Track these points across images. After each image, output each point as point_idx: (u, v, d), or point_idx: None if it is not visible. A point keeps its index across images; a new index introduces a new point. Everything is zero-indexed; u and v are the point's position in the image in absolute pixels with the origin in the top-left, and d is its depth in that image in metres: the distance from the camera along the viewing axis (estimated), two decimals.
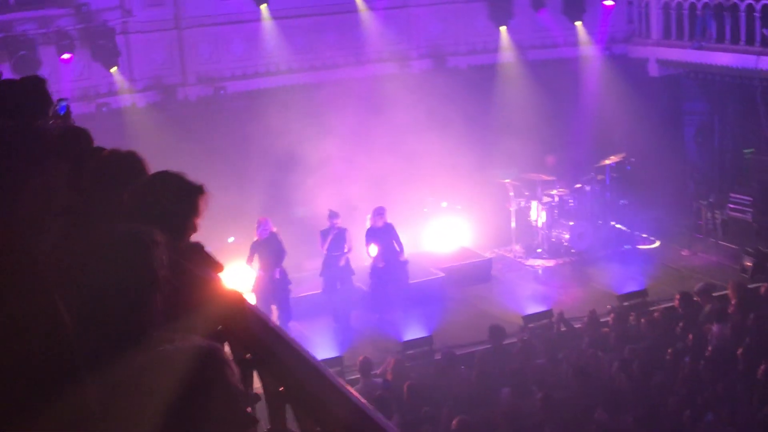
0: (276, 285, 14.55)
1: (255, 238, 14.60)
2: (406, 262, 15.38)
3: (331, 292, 15.12)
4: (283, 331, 3.33)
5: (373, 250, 15.13)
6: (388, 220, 15.32)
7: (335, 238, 14.94)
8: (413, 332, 14.19)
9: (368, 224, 15.21)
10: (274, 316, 14.34)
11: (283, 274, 14.68)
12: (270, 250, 14.50)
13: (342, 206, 15.82)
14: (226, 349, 3.34)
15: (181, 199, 3.57)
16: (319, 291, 15.34)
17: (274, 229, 14.69)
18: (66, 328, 1.98)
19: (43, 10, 16.46)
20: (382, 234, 15.12)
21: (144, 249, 2.68)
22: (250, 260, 14.53)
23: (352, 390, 2.82)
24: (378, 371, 12.53)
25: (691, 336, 12.08)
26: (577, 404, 10.52)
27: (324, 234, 15.02)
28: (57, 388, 2.07)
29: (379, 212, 15.11)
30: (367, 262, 15.32)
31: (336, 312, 15.02)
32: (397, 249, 15.23)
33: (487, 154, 17.64)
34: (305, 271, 16.15)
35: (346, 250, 15.02)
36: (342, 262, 15.04)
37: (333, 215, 14.99)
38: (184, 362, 2.16)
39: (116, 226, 2.91)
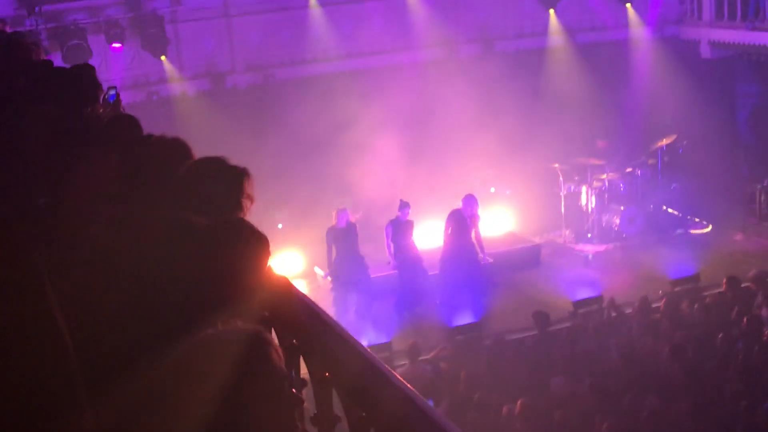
0: (356, 269, 14.74)
1: (332, 224, 14.70)
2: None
3: (403, 284, 15.07)
4: (329, 316, 3.34)
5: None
6: (432, 208, 15.27)
7: (406, 228, 14.90)
8: (462, 318, 14.16)
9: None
10: (353, 299, 14.60)
11: (362, 259, 14.89)
12: (348, 238, 14.69)
13: (394, 194, 15.80)
14: (273, 335, 3.36)
15: (226, 182, 3.61)
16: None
17: (353, 219, 14.86)
18: (65, 351, 1.97)
19: (93, 0, 16.66)
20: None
21: (209, 243, 2.71)
22: (329, 247, 14.72)
23: (398, 376, 2.82)
24: (430, 356, 12.55)
25: (745, 320, 11.89)
26: (628, 391, 10.42)
27: (393, 226, 14.89)
28: (53, 415, 2.05)
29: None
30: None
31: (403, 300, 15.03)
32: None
33: (536, 139, 17.49)
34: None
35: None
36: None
37: (404, 206, 14.89)
38: (229, 347, 2.18)
39: (178, 215, 2.94)
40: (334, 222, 14.79)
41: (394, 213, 15.11)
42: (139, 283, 2.82)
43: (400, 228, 14.86)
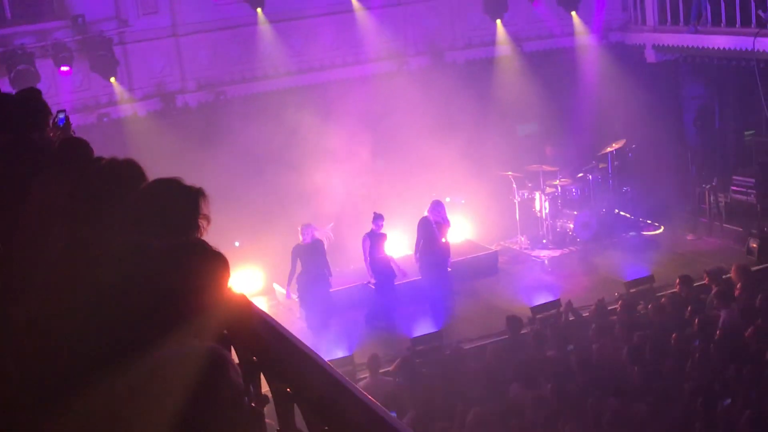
0: (320, 285, 14.88)
1: (298, 242, 14.81)
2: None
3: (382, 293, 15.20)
4: (288, 332, 3.35)
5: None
6: (391, 219, 15.39)
7: (379, 240, 14.97)
8: (422, 328, 14.21)
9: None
10: (313, 313, 14.80)
11: (326, 276, 15.05)
12: (314, 254, 14.81)
13: (348, 207, 15.85)
14: (233, 352, 3.37)
15: (182, 203, 3.61)
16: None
17: (317, 235, 14.99)
18: (8, 384, 1.95)
19: (40, 24, 16.49)
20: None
21: (165, 263, 2.72)
22: (293, 264, 14.86)
23: (360, 389, 2.85)
24: (390, 368, 12.57)
25: (697, 320, 12.08)
26: (588, 394, 10.53)
27: (370, 238, 14.97)
28: None
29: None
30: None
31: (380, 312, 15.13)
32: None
33: (487, 148, 17.66)
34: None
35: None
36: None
37: (378, 218, 14.97)
38: (186, 365, 2.19)
39: (134, 237, 2.94)
40: (299, 239, 14.80)
41: (354, 224, 15.16)
42: (96, 305, 2.82)
43: (375, 240, 14.91)
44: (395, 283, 15.24)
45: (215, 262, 3.02)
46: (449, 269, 15.53)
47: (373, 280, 15.22)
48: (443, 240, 15.21)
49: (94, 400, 2.22)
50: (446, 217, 15.34)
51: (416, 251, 15.35)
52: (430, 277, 15.24)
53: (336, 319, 14.96)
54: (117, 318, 2.76)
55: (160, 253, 3.04)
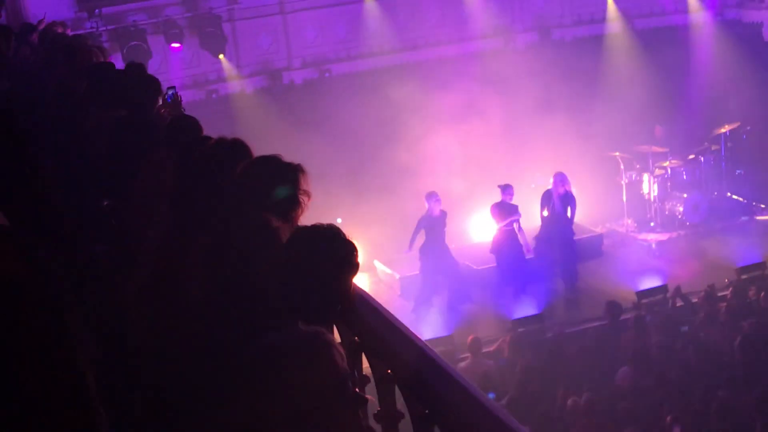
0: (446, 257, 14.66)
1: (424, 213, 14.60)
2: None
3: (504, 268, 14.93)
4: (389, 313, 3.34)
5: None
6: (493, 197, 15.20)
7: (511, 211, 14.66)
8: (524, 310, 14.07)
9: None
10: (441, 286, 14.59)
11: (448, 250, 14.79)
12: (439, 226, 14.57)
13: (452, 186, 15.76)
14: (335, 332, 3.38)
15: (282, 179, 3.64)
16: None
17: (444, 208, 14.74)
18: (91, 402, 1.96)
19: (152, 1, 16.89)
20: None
21: (273, 238, 2.75)
22: (415, 233, 14.62)
23: (458, 371, 2.82)
24: (491, 349, 12.52)
25: None
26: (697, 382, 10.27)
27: (501, 207, 14.62)
28: None
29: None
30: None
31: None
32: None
33: (596, 127, 17.30)
34: (416, 250, 16.24)
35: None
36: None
37: (508, 187, 14.66)
38: (293, 349, 2.20)
39: (241, 218, 2.97)
40: (425, 207, 14.63)
41: (459, 201, 15.01)
42: (205, 283, 2.85)
43: (504, 211, 14.63)
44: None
45: (348, 249, 3.04)
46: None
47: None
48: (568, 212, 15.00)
49: (206, 388, 2.25)
50: (569, 189, 14.96)
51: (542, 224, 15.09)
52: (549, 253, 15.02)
53: (437, 297, 14.91)
54: (223, 299, 2.79)
55: (260, 231, 3.05)
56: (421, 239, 14.75)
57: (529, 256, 15.01)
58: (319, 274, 2.86)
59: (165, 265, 3.53)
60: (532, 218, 15.31)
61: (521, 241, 14.79)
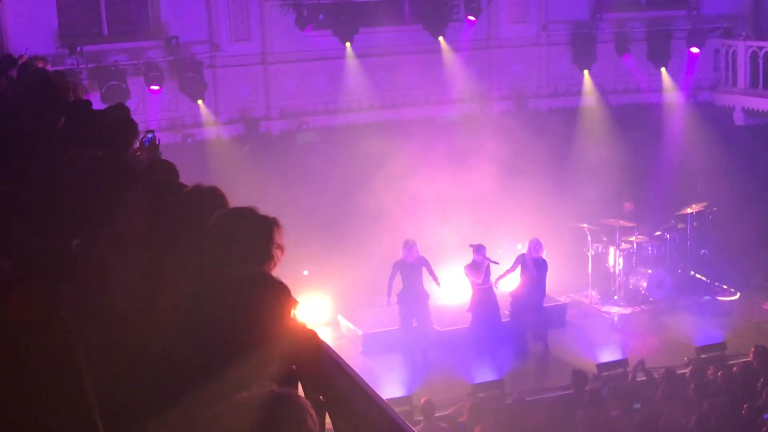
0: (421, 303, 14.86)
1: (399, 258, 14.86)
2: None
3: (480, 327, 15.09)
4: (355, 372, 3.33)
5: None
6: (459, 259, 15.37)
7: (486, 270, 14.96)
8: (487, 374, 14.06)
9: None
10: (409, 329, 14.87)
11: (426, 296, 15.01)
12: (415, 273, 14.82)
13: (421, 246, 15.85)
14: (299, 389, 3.36)
15: (257, 232, 3.64)
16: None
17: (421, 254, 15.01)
18: (90, 408, 1.98)
19: (134, 42, 16.97)
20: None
21: (238, 294, 2.73)
22: (390, 281, 14.89)
23: None
24: (448, 412, 12.46)
25: (766, 393, 11.73)
26: None
27: (476, 267, 14.94)
28: None
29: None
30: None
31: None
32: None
33: (565, 198, 17.48)
34: (379, 306, 16.25)
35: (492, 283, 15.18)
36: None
37: (481, 248, 14.99)
38: (263, 410, 2.17)
39: (206, 269, 2.96)
40: (401, 255, 14.86)
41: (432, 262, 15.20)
42: (167, 335, 2.83)
43: (479, 270, 14.90)
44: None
45: (277, 292, 3.00)
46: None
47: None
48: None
49: None
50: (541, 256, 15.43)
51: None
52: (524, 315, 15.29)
53: (398, 356, 14.87)
54: (188, 351, 2.77)
55: (231, 284, 3.04)
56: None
57: (505, 319, 15.24)
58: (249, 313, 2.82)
59: (133, 311, 3.50)
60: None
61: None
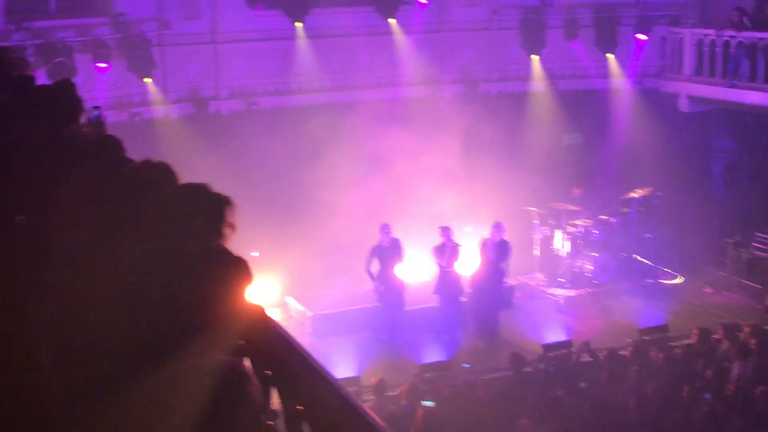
0: (397, 287, 15.17)
1: (377, 243, 15.14)
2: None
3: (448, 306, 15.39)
4: (304, 348, 3.35)
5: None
6: (411, 241, 15.51)
7: (450, 252, 15.14)
8: (432, 356, 14.17)
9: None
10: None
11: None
12: (389, 256, 15.09)
13: (370, 225, 15.92)
14: (247, 364, 3.37)
15: (208, 209, 3.62)
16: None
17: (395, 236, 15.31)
18: (43, 380, 1.98)
19: (82, 19, 16.66)
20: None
21: (188, 270, 2.73)
22: (369, 263, 15.19)
23: (370, 411, 2.84)
24: (396, 393, 12.52)
25: (710, 373, 11.99)
26: None
27: (439, 249, 15.27)
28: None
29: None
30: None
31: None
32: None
33: (513, 181, 17.62)
34: (329, 288, 16.31)
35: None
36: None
37: (446, 229, 15.25)
38: (204, 378, 2.18)
39: (155, 244, 2.95)
40: (378, 239, 15.13)
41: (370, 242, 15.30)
42: (118, 309, 2.83)
43: (445, 252, 15.13)
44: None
45: (237, 269, 3.01)
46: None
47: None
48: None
49: (116, 410, 2.22)
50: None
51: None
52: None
53: (348, 337, 14.92)
54: (136, 326, 2.77)
55: (180, 260, 3.04)
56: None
57: (463, 299, 15.56)
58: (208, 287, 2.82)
59: (79, 287, 3.48)
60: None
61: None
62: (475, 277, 15.78)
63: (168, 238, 3.39)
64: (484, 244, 15.75)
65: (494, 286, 15.73)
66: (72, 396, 2.37)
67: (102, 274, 3.14)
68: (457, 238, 15.89)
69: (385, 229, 15.25)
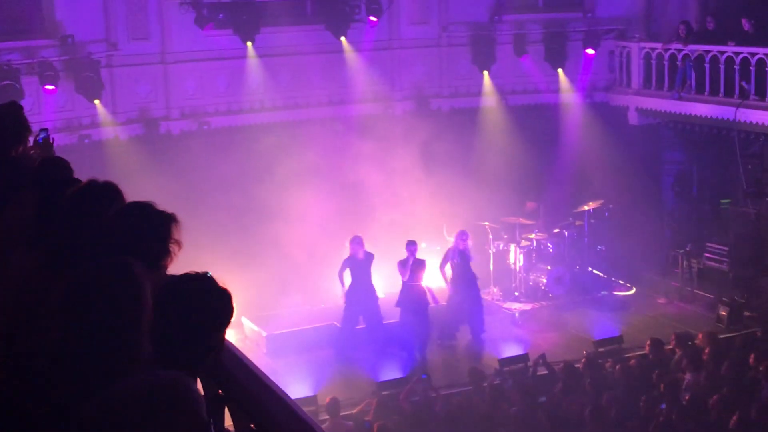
0: (371, 299, 15.15)
1: (347, 255, 15.04)
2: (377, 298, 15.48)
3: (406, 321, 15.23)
4: (256, 367, 3.32)
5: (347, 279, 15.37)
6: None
7: (414, 267, 15.11)
8: (389, 373, 14.13)
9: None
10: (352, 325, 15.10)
11: (374, 289, 15.34)
12: (364, 269, 15.05)
13: (323, 244, 15.87)
14: (198, 384, 3.32)
15: (154, 226, 3.59)
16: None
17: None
18: None
19: (28, 41, 16.45)
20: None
21: (134, 282, 2.69)
22: (341, 277, 15.14)
23: (324, 431, 2.81)
24: (354, 411, 12.48)
25: (663, 385, 12.10)
26: None
27: (403, 264, 15.19)
28: None
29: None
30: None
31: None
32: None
33: (466, 196, 17.70)
34: (284, 307, 16.22)
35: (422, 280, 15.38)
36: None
37: (412, 244, 15.19)
38: (151, 395, 2.15)
39: (101, 260, 2.90)
40: (349, 252, 15.05)
41: (328, 259, 15.23)
42: (71, 329, 2.77)
43: (411, 267, 15.14)
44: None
45: (224, 299, 3.00)
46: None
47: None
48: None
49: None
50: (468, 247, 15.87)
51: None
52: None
53: (304, 356, 14.84)
54: (81, 345, 2.71)
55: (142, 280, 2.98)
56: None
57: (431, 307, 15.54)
58: (193, 326, 2.81)
59: (20, 309, 3.41)
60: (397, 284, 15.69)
61: (429, 296, 15.44)
62: (450, 289, 15.77)
63: (110, 255, 3.33)
64: (451, 255, 15.75)
65: (468, 290, 15.70)
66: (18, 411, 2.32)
67: (44, 295, 3.08)
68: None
69: (357, 241, 15.10)
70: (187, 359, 2.70)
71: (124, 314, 2.63)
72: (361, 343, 15.17)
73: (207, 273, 3.00)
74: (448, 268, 15.81)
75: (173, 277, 3.02)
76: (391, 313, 15.43)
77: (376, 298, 15.37)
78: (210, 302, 2.89)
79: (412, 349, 14.87)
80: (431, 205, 17.36)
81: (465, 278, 15.70)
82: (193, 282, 2.92)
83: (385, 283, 16.29)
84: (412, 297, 15.16)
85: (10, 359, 2.88)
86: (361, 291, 15.13)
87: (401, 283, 15.33)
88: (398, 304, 15.30)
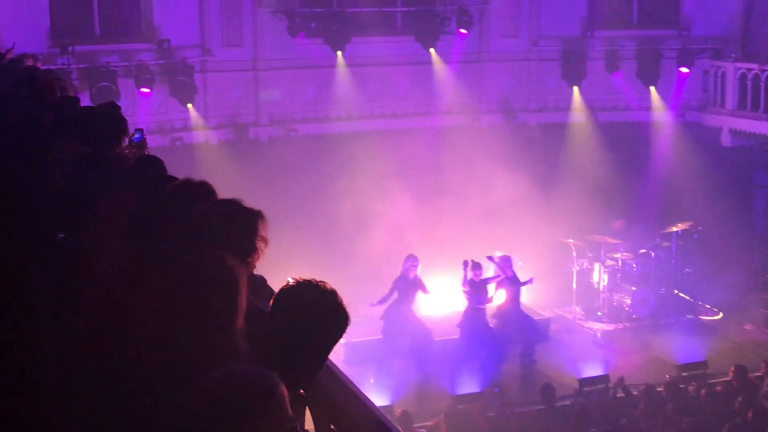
0: (415, 321, 14.85)
1: (399, 274, 14.74)
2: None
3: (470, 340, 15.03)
4: (338, 369, 3.32)
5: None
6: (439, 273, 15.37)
7: (480, 288, 14.95)
8: (467, 387, 14.03)
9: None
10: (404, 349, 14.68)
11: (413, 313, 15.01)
12: (413, 290, 14.72)
13: (402, 254, 15.83)
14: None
15: (241, 223, 3.63)
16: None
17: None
18: (49, 387, 1.99)
19: (126, 44, 16.93)
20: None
21: (229, 276, 2.73)
22: (390, 295, 14.72)
23: None
24: (431, 423, 12.44)
25: (751, 413, 11.76)
26: None
27: (470, 285, 14.92)
28: None
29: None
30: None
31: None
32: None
33: (552, 212, 17.52)
34: (363, 316, 16.21)
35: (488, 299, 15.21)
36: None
37: (475, 266, 14.87)
38: (242, 390, 2.17)
39: (197, 253, 2.95)
40: (400, 272, 14.77)
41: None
42: (156, 321, 2.82)
43: (475, 288, 14.86)
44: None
45: (345, 314, 3.03)
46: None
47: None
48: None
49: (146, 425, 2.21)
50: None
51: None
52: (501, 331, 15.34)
53: (382, 365, 14.83)
54: (173, 338, 2.76)
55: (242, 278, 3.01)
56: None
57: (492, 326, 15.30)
58: (315, 334, 2.82)
59: (116, 300, 3.49)
60: None
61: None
62: (500, 310, 15.52)
63: (202, 249, 3.39)
64: (503, 279, 15.47)
65: (517, 318, 15.45)
66: (111, 407, 2.37)
67: (136, 289, 3.14)
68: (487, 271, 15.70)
69: (412, 260, 14.79)
70: (295, 372, 2.71)
71: (219, 307, 2.67)
72: (439, 357, 15.06)
73: (330, 286, 3.00)
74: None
75: (297, 284, 3.02)
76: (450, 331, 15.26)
77: (419, 317, 15.13)
78: (335, 315, 2.89)
79: (483, 364, 14.67)
80: (514, 220, 17.16)
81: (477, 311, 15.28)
82: (319, 294, 2.92)
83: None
84: (475, 317, 14.94)
85: (105, 348, 2.95)
86: (405, 311, 14.80)
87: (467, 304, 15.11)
88: (460, 324, 15.08)
